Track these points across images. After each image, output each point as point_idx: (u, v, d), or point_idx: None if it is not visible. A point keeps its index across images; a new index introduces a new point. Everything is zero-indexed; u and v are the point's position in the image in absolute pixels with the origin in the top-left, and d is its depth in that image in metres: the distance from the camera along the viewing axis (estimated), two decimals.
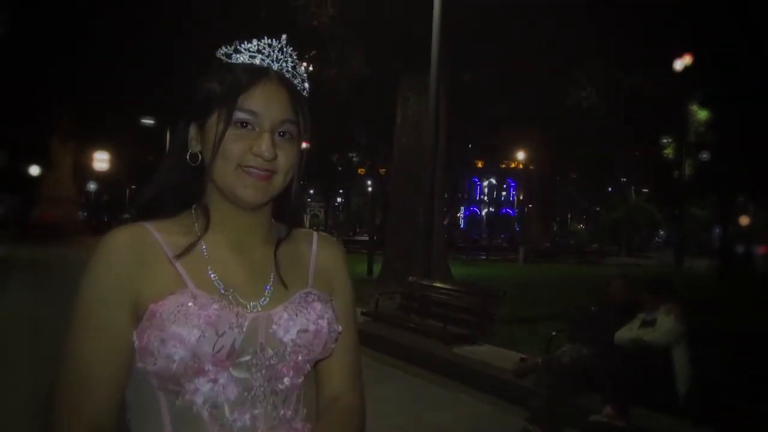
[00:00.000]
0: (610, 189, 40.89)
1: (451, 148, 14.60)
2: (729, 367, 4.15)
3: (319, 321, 0.94)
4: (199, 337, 0.83)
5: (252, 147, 0.90)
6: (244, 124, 0.90)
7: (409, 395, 5.48)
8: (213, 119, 0.91)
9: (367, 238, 20.59)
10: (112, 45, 20.46)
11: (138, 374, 0.88)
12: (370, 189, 35.54)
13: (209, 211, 0.96)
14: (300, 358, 0.94)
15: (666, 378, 4.24)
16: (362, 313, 8.46)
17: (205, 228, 0.95)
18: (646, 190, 37.02)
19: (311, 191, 48.19)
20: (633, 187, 38.63)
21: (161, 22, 17.06)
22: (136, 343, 0.86)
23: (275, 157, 0.91)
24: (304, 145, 0.97)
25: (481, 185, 58.30)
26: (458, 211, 54.91)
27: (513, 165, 49.48)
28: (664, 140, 24.50)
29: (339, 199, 55.43)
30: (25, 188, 33.59)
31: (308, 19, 12.87)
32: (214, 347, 0.84)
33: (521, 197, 53.32)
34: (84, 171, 36.49)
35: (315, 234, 1.08)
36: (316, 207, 53.37)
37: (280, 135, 0.92)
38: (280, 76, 0.94)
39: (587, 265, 25.35)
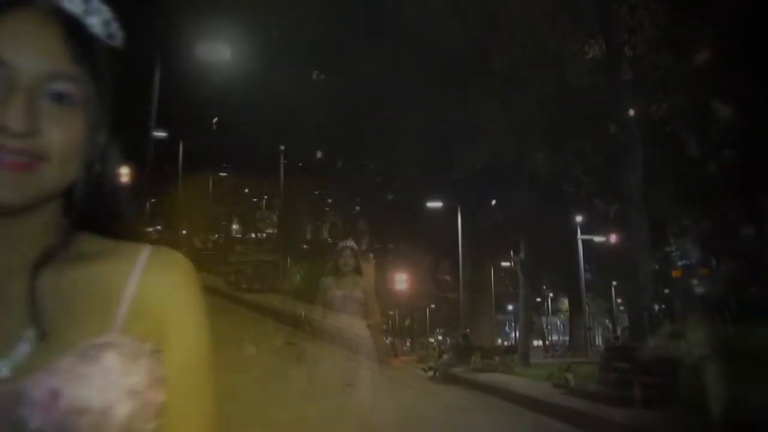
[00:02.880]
0: None
1: None
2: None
3: (113, 391, 0.56)
4: None
5: None
6: None
7: None
8: None
9: None
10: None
11: None
12: None
13: None
14: None
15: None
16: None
17: None
18: None
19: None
20: None
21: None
22: None
23: (34, 132, 0.56)
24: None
25: None
26: None
27: None
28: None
29: None
30: None
31: None
32: None
33: None
34: None
35: (146, 250, 0.66)
36: None
37: (55, 100, 0.58)
38: (52, 6, 0.60)
39: None
